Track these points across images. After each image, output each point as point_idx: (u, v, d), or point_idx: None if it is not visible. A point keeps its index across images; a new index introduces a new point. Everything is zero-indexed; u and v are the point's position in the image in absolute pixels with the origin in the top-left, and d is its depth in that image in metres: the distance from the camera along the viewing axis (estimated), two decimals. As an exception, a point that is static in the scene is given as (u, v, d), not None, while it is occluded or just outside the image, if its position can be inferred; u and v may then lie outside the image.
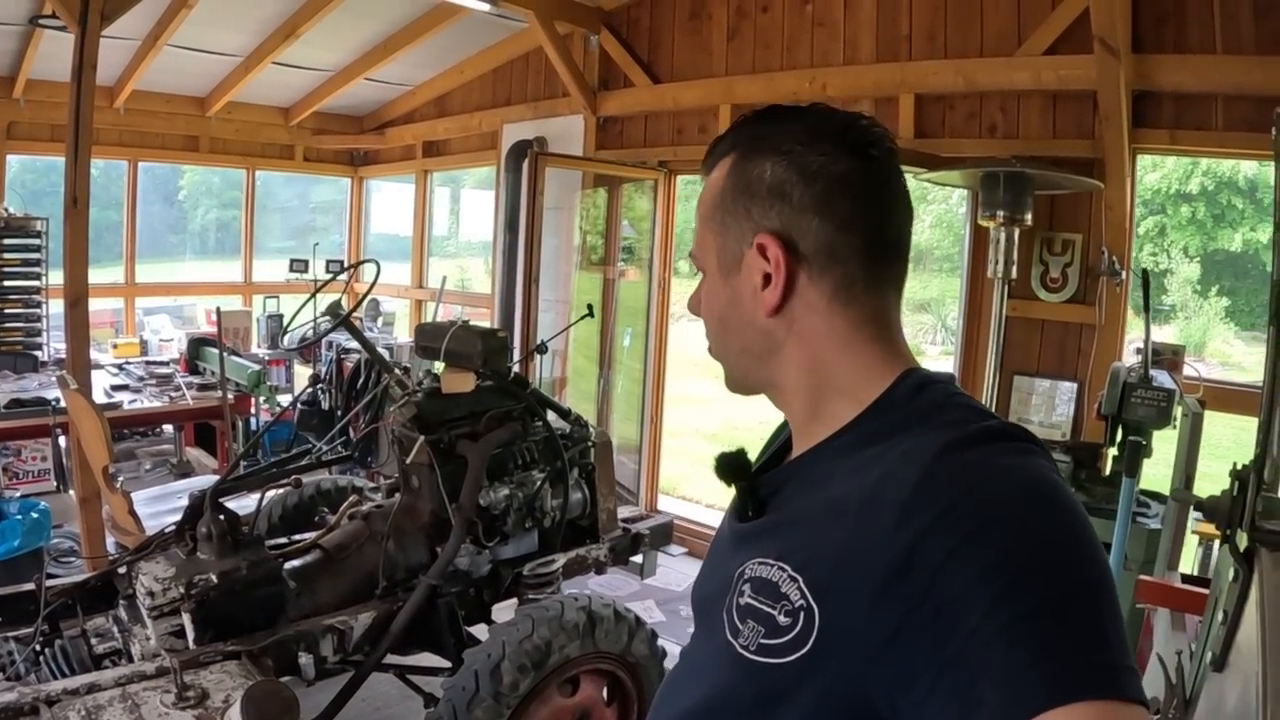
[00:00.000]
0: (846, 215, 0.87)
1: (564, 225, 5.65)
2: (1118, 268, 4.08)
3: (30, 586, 2.96)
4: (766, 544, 0.87)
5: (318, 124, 7.41)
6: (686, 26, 5.30)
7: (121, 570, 2.82)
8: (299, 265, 6.44)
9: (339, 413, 5.31)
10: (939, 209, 11.72)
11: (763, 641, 0.80)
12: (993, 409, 3.65)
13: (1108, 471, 3.82)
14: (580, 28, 5.53)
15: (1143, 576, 2.79)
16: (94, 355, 6.06)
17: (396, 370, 4.61)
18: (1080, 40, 4.05)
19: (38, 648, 2.63)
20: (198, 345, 5.73)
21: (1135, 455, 3.25)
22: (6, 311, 6.12)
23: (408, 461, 3.12)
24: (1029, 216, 3.95)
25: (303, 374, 6.28)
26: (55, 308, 6.31)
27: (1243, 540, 1.62)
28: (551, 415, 3.46)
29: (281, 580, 2.79)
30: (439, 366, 3.41)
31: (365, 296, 3.47)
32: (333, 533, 3.13)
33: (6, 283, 6.11)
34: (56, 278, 6.22)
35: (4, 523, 4.49)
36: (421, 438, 3.07)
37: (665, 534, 3.89)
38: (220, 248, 12.71)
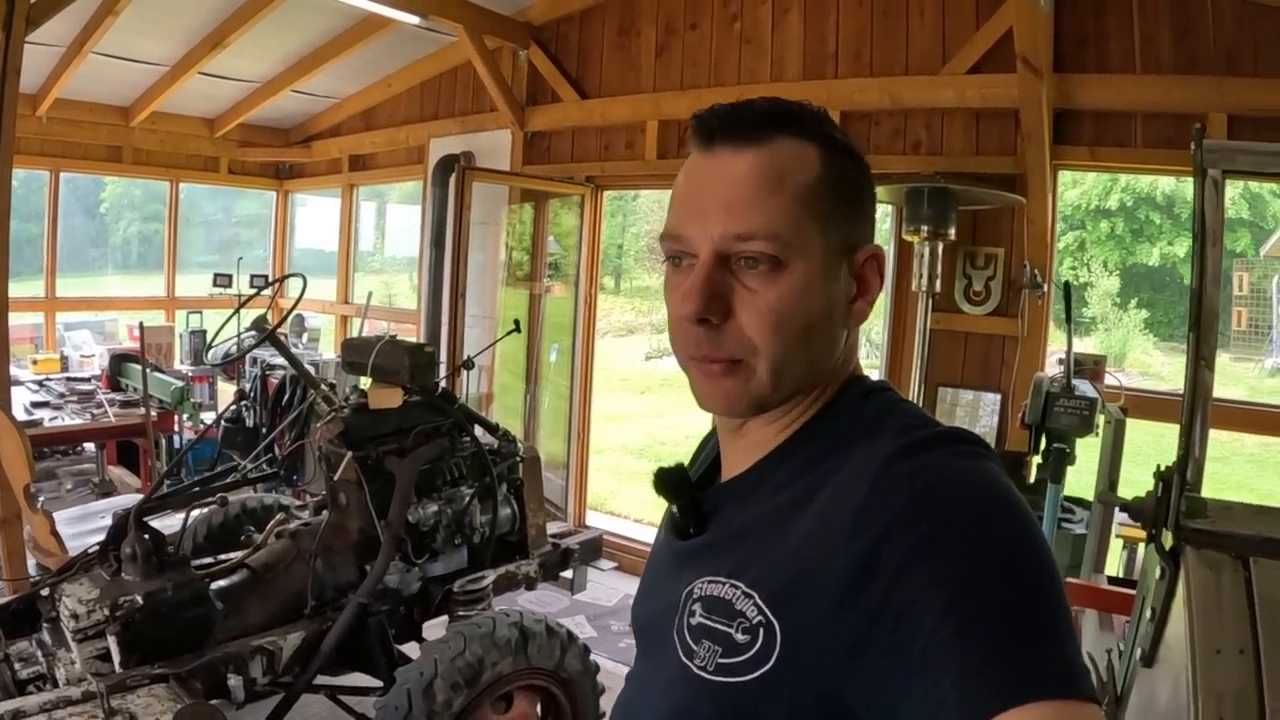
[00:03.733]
0: (874, 218, 0.91)
1: (490, 240, 5.58)
2: (1039, 281, 4.18)
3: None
4: (713, 561, 0.85)
5: (243, 136, 7.22)
6: (615, 43, 5.31)
7: (44, 592, 2.72)
8: (223, 280, 6.25)
9: (264, 430, 5.16)
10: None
11: (721, 661, 0.79)
12: None
13: (1032, 479, 3.89)
14: (509, 42, 5.50)
15: (1070, 579, 2.85)
16: (13, 371, 5.81)
17: (323, 386, 4.50)
18: (1003, 60, 4.17)
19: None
20: (120, 361, 5.51)
21: (1060, 462, 3.33)
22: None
23: (335, 478, 3.05)
24: (952, 231, 4.05)
25: (226, 391, 6.09)
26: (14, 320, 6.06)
27: (1168, 539, 1.65)
28: (479, 431, 3.41)
29: (208, 601, 2.71)
30: (365, 382, 3.34)
31: (291, 311, 3.38)
32: (259, 552, 3.04)
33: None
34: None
35: None
36: (349, 454, 3.01)
37: (595, 549, 3.85)
38: (142, 262, 12.36)
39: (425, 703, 2.60)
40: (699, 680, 0.80)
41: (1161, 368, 10.52)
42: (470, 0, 5.16)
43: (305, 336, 6.59)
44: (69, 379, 5.69)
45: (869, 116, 4.60)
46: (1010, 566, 0.67)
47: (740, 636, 0.78)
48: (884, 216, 4.60)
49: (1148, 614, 1.71)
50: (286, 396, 5.06)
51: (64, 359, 6.18)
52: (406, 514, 3.00)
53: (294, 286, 3.20)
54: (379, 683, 2.92)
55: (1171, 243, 10.73)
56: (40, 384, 5.57)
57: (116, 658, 2.44)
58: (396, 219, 8.87)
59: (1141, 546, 2.94)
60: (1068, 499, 3.82)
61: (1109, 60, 4.07)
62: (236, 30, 5.34)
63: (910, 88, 4.44)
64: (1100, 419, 3.32)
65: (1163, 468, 1.78)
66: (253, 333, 3.42)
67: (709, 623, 0.81)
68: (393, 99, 6.58)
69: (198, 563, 2.92)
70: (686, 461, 1.04)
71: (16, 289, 7.54)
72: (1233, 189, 4.32)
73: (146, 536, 2.60)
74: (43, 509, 3.10)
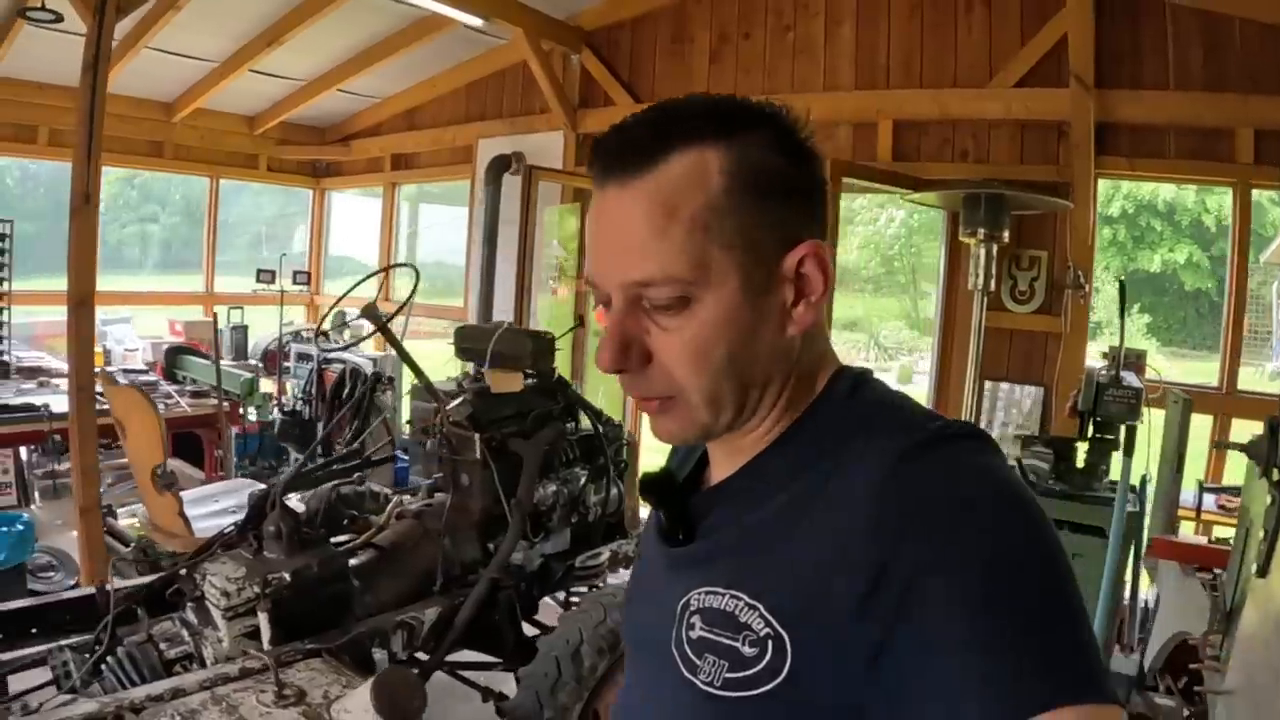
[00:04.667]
0: (825, 203, 0.83)
1: (539, 239, 5.76)
2: (1081, 281, 4.47)
3: (73, 594, 2.93)
4: (710, 572, 0.81)
5: (282, 134, 7.32)
6: (668, 49, 5.53)
7: (182, 572, 2.81)
8: (266, 276, 6.35)
9: (320, 423, 5.29)
10: (867, 230, 12.27)
11: (729, 676, 0.76)
12: (972, 412, 4.01)
13: (1080, 463, 4.17)
14: (562, 46, 5.69)
15: (1156, 536, 3.36)
16: (55, 364, 5.85)
17: (382, 379, 4.64)
18: (1046, 75, 4.47)
19: (96, 655, 2.57)
20: (175, 354, 5.60)
21: (1130, 437, 3.61)
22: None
23: (460, 459, 3.21)
24: (1006, 234, 4.31)
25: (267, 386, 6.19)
26: (17, 316, 6.09)
27: (1275, 474, 2.04)
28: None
29: (349, 578, 2.84)
30: (467, 367, 3.53)
31: (408, 302, 3.53)
32: (384, 532, 3.18)
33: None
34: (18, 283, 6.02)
35: None
36: (477, 435, 3.17)
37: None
38: (162, 260, 12.27)
39: (574, 668, 2.76)
40: (708, 697, 0.77)
41: (1166, 372, 10.90)
42: (527, 5, 5.34)
43: (349, 333, 6.68)
44: (126, 370, 5.74)
45: (919, 125, 4.87)
46: (1030, 570, 0.66)
47: (748, 650, 0.75)
48: (937, 219, 4.86)
49: (1260, 535, 2.05)
50: (347, 389, 5.19)
51: (107, 353, 6.23)
52: (534, 493, 3.18)
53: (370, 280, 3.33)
54: (490, 658, 3.08)
55: (1172, 249, 11.17)
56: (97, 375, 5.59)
57: (266, 634, 2.48)
58: (433, 217, 8.97)
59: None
60: (1113, 484, 4.11)
61: (1143, 77, 4.37)
62: (294, 28, 5.44)
63: (959, 99, 4.70)
64: (1161, 406, 3.64)
65: (1274, 415, 2.16)
66: (363, 321, 3.57)
67: (711, 636, 0.78)
68: (437, 99, 6.73)
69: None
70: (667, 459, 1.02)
71: (56, 283, 7.56)
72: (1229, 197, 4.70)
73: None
74: (174, 491, 3.20)
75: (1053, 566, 0.67)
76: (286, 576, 2.63)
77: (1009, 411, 4.67)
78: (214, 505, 3.68)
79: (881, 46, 4.92)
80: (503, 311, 5.29)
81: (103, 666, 2.57)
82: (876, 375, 0.87)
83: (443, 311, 6.95)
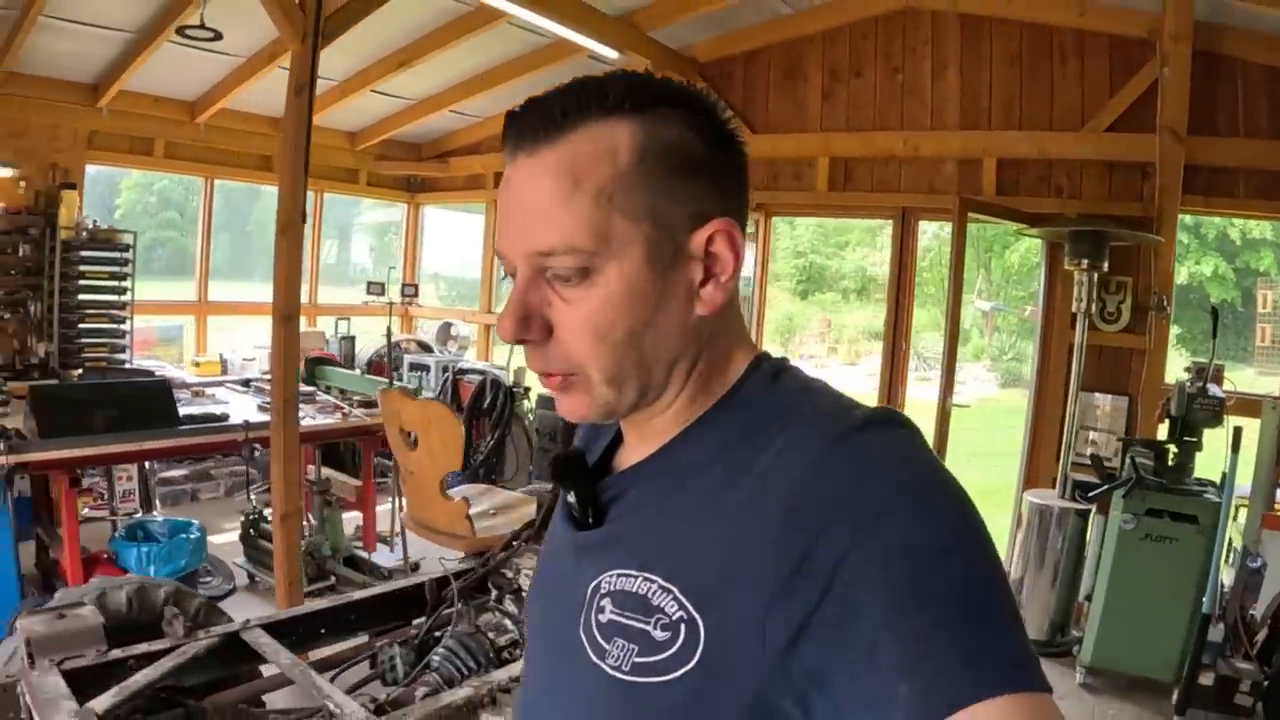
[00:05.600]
0: (745, 186, 0.82)
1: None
2: (1164, 304, 5.10)
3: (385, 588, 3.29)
4: (621, 554, 0.80)
5: (380, 149, 7.63)
6: (781, 84, 6.04)
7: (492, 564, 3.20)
8: (375, 288, 6.68)
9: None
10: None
11: (638, 660, 0.74)
12: (1073, 421, 4.60)
13: (1171, 462, 4.78)
14: (678, 76, 6.14)
15: (1267, 512, 4.11)
16: (175, 373, 6.12)
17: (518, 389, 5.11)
18: (1133, 121, 5.08)
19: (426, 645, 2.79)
20: (315, 364, 5.90)
21: (1236, 438, 4.23)
22: (91, 326, 6.09)
23: None
24: (1106, 264, 4.93)
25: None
26: (139, 323, 6.33)
27: None
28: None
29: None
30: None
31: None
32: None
33: (91, 296, 6.08)
34: (142, 292, 6.28)
35: (173, 541, 4.68)
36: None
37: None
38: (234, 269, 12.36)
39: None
40: (615, 682, 0.76)
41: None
42: (653, 38, 5.80)
43: (455, 345, 7.06)
44: (248, 380, 6.02)
45: (1018, 163, 5.46)
46: (958, 558, 0.65)
47: (659, 634, 0.73)
48: (1036, 249, 5.45)
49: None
50: (488, 400, 5.58)
51: (224, 362, 6.49)
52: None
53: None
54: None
55: (1199, 262, 11.93)
56: (246, 384, 5.90)
57: None
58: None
59: None
60: (1198, 480, 4.73)
61: (1218, 126, 5.02)
62: (427, 52, 5.81)
63: (1056, 141, 5.30)
64: (1266, 407, 4.29)
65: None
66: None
67: (622, 619, 0.77)
68: None
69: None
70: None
71: (163, 291, 7.79)
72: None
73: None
74: (460, 495, 3.59)
75: (980, 554, 0.66)
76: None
77: (1105, 419, 5.28)
78: (485, 504, 4.07)
79: (984, 90, 5.49)
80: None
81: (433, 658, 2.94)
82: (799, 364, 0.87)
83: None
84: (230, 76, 6.29)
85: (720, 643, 0.70)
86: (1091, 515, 4.88)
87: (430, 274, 8.80)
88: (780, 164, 6.10)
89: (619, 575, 0.78)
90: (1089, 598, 4.79)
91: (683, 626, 0.72)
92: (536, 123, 0.75)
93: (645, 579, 0.76)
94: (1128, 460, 4.52)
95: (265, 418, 4.75)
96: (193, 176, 6.96)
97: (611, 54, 5.59)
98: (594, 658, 0.78)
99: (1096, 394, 5.34)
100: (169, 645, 2.63)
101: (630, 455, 0.87)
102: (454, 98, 6.68)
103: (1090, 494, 4.69)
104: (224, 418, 4.83)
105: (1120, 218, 5.10)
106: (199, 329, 6.96)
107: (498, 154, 7.41)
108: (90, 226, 6.11)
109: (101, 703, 2.23)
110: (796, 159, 6.02)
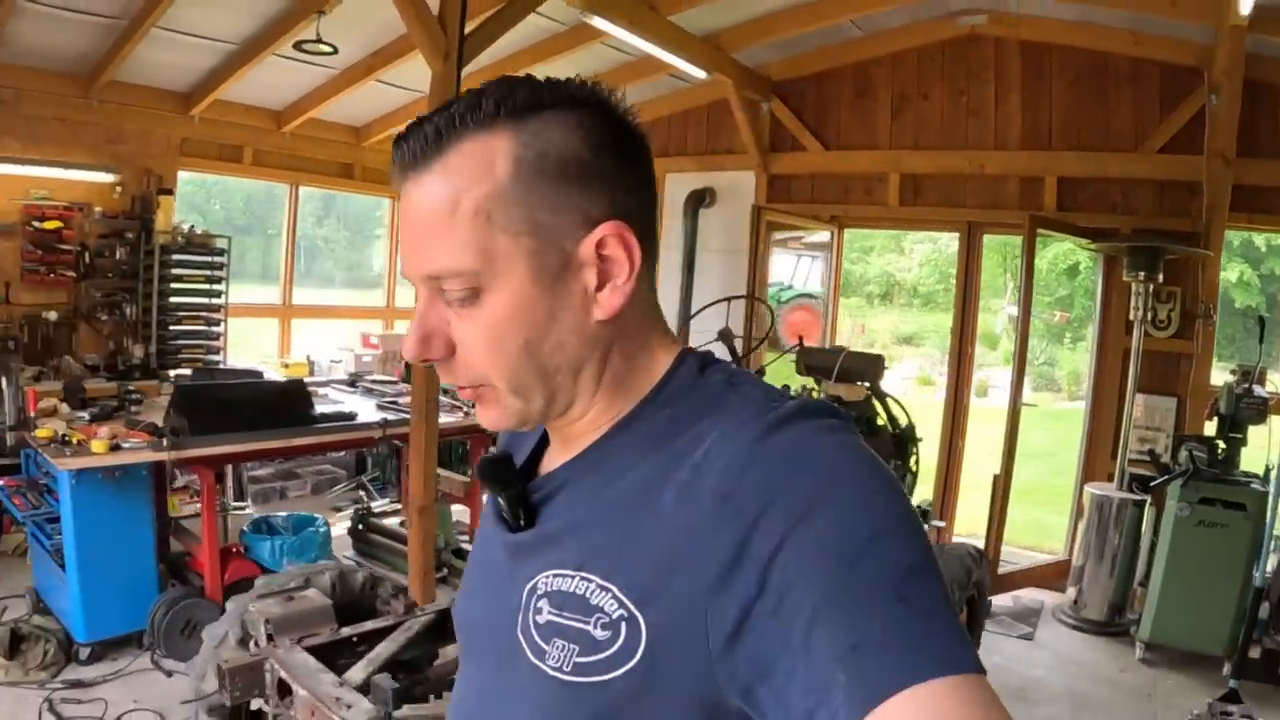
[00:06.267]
0: (646, 184, 0.81)
1: (733, 267, 6.62)
2: (1210, 312, 5.57)
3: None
4: (557, 554, 0.79)
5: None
6: (852, 103, 6.46)
7: None
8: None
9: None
10: (927, 248, 13.28)
11: (579, 660, 0.74)
12: (1128, 420, 5.06)
13: (1220, 455, 5.23)
14: (755, 94, 6.54)
15: None
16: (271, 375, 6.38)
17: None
18: (1183, 143, 5.54)
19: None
20: (411, 366, 6.20)
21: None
22: (185, 328, 6.34)
23: None
24: (1161, 276, 5.38)
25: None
26: (233, 326, 6.59)
27: None
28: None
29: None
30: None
31: (767, 335, 4.38)
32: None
33: (185, 299, 6.33)
34: (236, 295, 6.54)
35: (302, 535, 4.97)
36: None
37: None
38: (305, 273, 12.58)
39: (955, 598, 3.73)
40: (556, 683, 0.76)
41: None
42: (734, 58, 6.17)
43: None
44: (376, 381, 6.28)
45: (1077, 181, 5.90)
46: (890, 544, 0.65)
47: (599, 633, 0.73)
48: (1063, 256, 5.89)
49: None
50: None
51: (311, 363, 6.76)
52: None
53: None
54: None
55: (1224, 268, 12.43)
56: (352, 383, 6.17)
57: None
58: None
59: None
60: (1244, 472, 5.20)
61: (1259, 147, 5.48)
62: (524, 67, 6.11)
63: (1113, 161, 5.74)
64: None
65: None
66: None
67: (560, 620, 0.76)
68: None
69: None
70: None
71: (248, 295, 7.99)
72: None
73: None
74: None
75: (911, 540, 0.67)
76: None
77: (1155, 418, 5.74)
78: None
79: (1045, 112, 5.93)
80: (700, 332, 6.11)
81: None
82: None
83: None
84: (320, 88, 6.57)
85: (662, 638, 0.70)
86: (1147, 506, 5.34)
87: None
88: (852, 179, 6.53)
89: (555, 575, 0.78)
90: (1142, 583, 5.27)
91: (623, 624, 0.72)
92: (416, 145, 0.75)
93: (583, 578, 0.76)
94: (1184, 454, 4.99)
95: (386, 416, 5.10)
96: (278, 183, 7.22)
97: (699, 73, 5.96)
98: (533, 659, 0.78)
99: (1148, 395, 5.80)
100: (393, 622, 3.00)
101: (556, 457, 0.87)
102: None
103: (1152, 484, 5.15)
104: (353, 416, 5.14)
105: (1170, 232, 5.54)
106: (283, 331, 7.23)
107: None
108: (186, 231, 6.36)
109: (357, 673, 2.57)
110: (867, 174, 6.45)
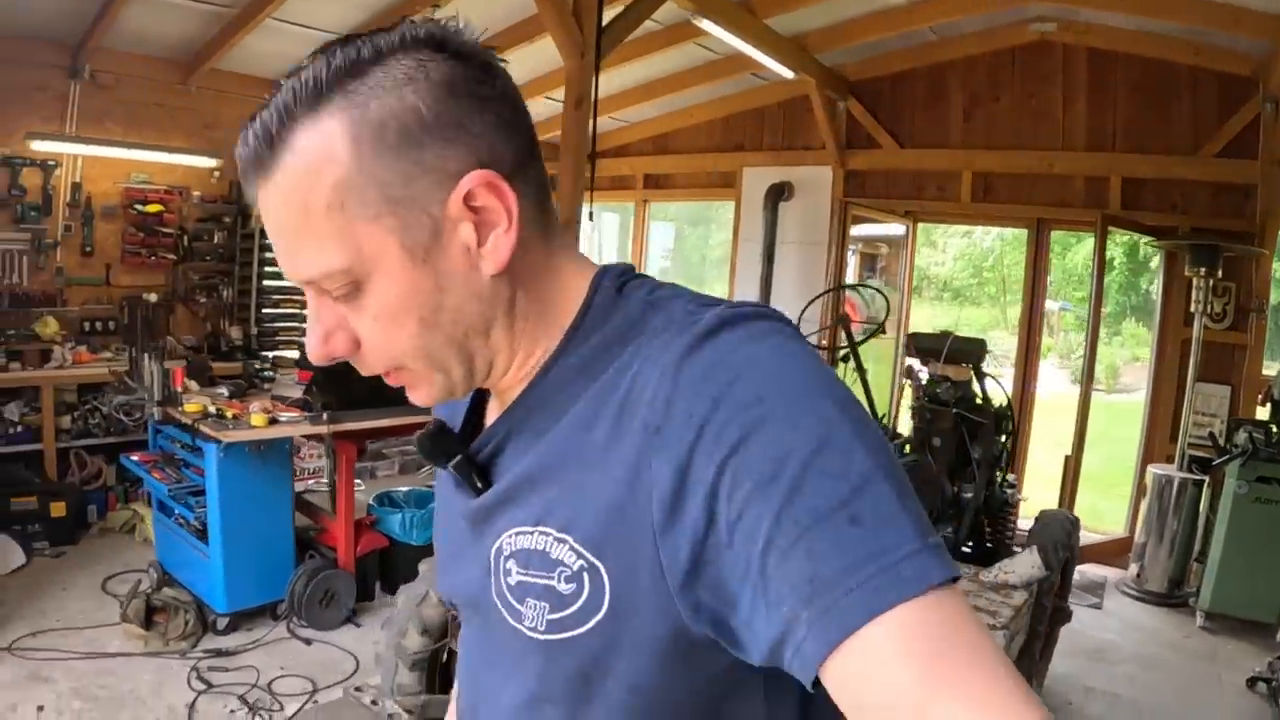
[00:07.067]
0: (510, 117, 0.73)
1: (810, 258, 6.97)
2: (1263, 307, 5.98)
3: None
4: (515, 512, 0.76)
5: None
6: (926, 103, 6.83)
7: None
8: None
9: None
10: (961, 244, 13.65)
11: (550, 618, 0.72)
12: (1189, 405, 5.48)
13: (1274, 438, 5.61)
14: (832, 93, 6.89)
15: None
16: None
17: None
18: (1239, 147, 5.91)
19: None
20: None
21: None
22: (283, 312, 6.58)
23: (934, 427, 4.44)
24: (1220, 271, 5.77)
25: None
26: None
27: None
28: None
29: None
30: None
31: (879, 328, 4.73)
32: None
33: (282, 282, 6.55)
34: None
35: (429, 507, 5.19)
36: (953, 410, 4.42)
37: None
38: None
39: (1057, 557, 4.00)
40: (534, 643, 0.74)
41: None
42: (816, 59, 6.50)
43: None
44: None
45: (1139, 182, 6.28)
46: (830, 459, 0.61)
47: (564, 587, 0.71)
48: (1155, 255, 6.26)
49: None
50: None
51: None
52: (992, 449, 4.44)
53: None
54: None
55: (1277, 265, 12.86)
56: None
57: None
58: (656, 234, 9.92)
59: None
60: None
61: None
62: (615, 65, 6.35)
63: (1174, 165, 6.11)
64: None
65: None
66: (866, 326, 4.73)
67: (528, 579, 0.74)
68: (692, 127, 7.84)
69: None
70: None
71: None
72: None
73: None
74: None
75: (857, 447, 0.62)
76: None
77: (1212, 405, 6.14)
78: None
79: (1109, 117, 6.31)
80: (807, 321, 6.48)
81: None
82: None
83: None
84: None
85: (625, 584, 0.68)
86: (1205, 485, 5.73)
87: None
88: (925, 176, 6.90)
89: (517, 534, 0.75)
90: (1199, 559, 5.67)
91: (585, 576, 0.70)
92: (253, 149, 0.69)
93: (541, 533, 0.73)
94: (1242, 435, 5.38)
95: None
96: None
97: (786, 72, 6.28)
98: (512, 621, 0.76)
99: (1204, 384, 6.18)
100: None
101: (495, 409, 0.85)
102: (615, 105, 7.29)
103: (1213, 463, 5.53)
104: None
105: (1225, 231, 5.93)
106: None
107: (646, 157, 8.28)
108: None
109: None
110: (940, 172, 6.83)
